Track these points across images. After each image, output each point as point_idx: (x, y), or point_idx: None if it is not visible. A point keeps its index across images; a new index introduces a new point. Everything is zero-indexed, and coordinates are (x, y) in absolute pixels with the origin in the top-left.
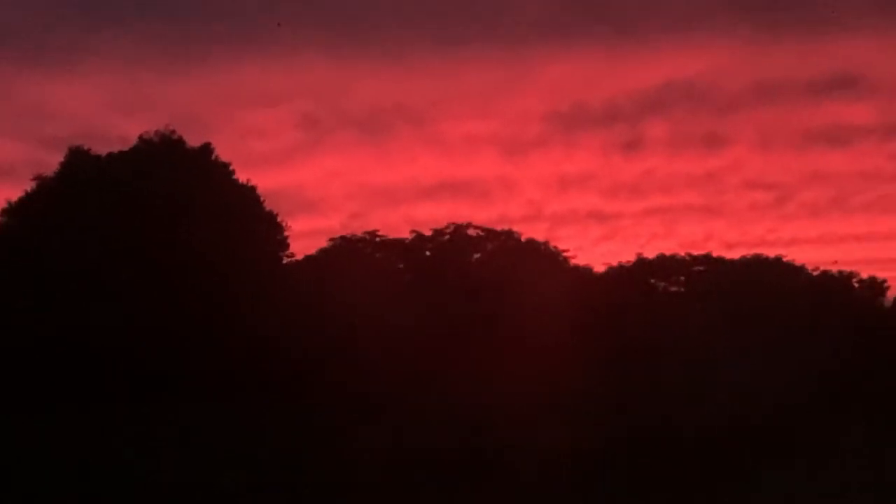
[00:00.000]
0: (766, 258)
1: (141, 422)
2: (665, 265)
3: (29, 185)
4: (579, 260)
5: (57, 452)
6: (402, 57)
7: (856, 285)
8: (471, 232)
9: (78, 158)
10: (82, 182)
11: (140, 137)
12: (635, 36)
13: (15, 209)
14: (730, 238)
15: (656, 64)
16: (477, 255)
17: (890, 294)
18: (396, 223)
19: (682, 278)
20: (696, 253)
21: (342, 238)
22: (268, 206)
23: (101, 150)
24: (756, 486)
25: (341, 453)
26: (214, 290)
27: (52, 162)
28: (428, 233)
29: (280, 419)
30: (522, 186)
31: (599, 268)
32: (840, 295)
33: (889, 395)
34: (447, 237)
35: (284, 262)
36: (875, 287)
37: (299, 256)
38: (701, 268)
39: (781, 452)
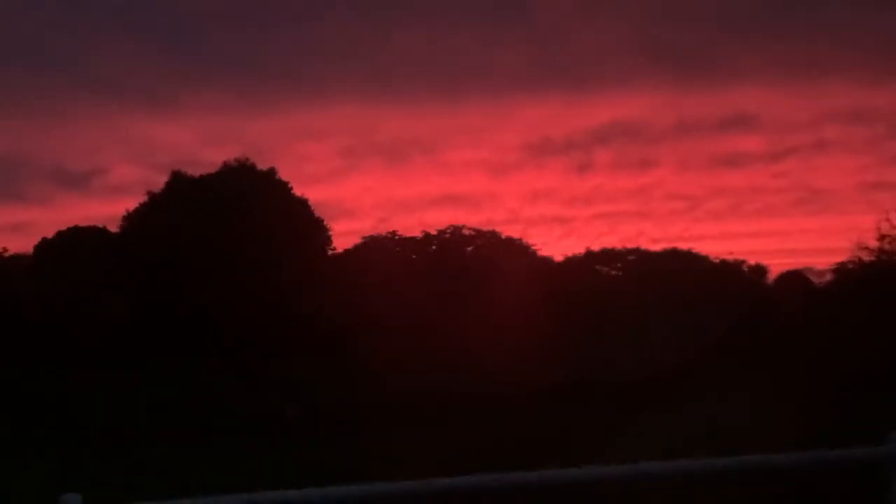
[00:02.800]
0: (681, 250)
1: (240, 369)
2: (607, 255)
3: (142, 199)
4: (544, 252)
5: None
6: (416, 103)
7: (745, 270)
8: (465, 231)
9: (178, 179)
10: (181, 197)
11: (224, 163)
12: (586, 88)
13: (132, 216)
14: (654, 235)
15: (602, 108)
16: (470, 248)
17: (770, 276)
18: (411, 225)
19: (619, 265)
20: (629, 246)
21: (371, 237)
22: (316, 213)
23: (196, 172)
24: (652, 420)
25: (377, 394)
26: (278, 275)
27: (159, 181)
28: (434, 232)
29: (325, 367)
30: (503, 198)
31: (559, 257)
32: (733, 276)
33: (768, 350)
34: (448, 235)
35: (329, 254)
36: (759, 271)
37: (339, 250)
38: (633, 257)
39: (679, 397)
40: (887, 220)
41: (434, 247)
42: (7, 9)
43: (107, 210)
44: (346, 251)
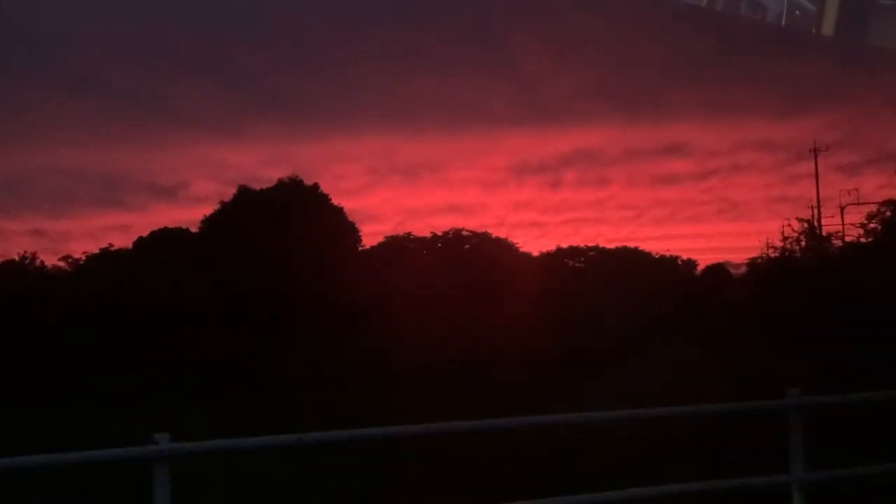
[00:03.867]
0: (629, 248)
1: (292, 338)
2: (572, 252)
3: (216, 207)
4: (524, 249)
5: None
6: (425, 134)
7: (679, 263)
8: (464, 233)
9: (243, 192)
10: (246, 206)
11: (279, 180)
12: (556, 123)
13: (208, 220)
14: (609, 236)
15: (568, 139)
16: (467, 246)
17: (698, 268)
18: (422, 228)
19: (582, 259)
20: (590, 245)
21: (391, 237)
22: (349, 218)
23: (257, 187)
24: (607, 377)
25: (396, 356)
26: (320, 265)
27: (229, 193)
28: (440, 233)
29: (357, 334)
30: (492, 207)
31: (535, 253)
32: (669, 268)
33: (696, 324)
34: (450, 236)
35: (358, 250)
36: (689, 264)
37: (367, 247)
38: (592, 253)
39: (627, 360)
40: (788, 225)
41: (439, 245)
42: (112, 62)
43: (189, 215)
44: (372, 248)
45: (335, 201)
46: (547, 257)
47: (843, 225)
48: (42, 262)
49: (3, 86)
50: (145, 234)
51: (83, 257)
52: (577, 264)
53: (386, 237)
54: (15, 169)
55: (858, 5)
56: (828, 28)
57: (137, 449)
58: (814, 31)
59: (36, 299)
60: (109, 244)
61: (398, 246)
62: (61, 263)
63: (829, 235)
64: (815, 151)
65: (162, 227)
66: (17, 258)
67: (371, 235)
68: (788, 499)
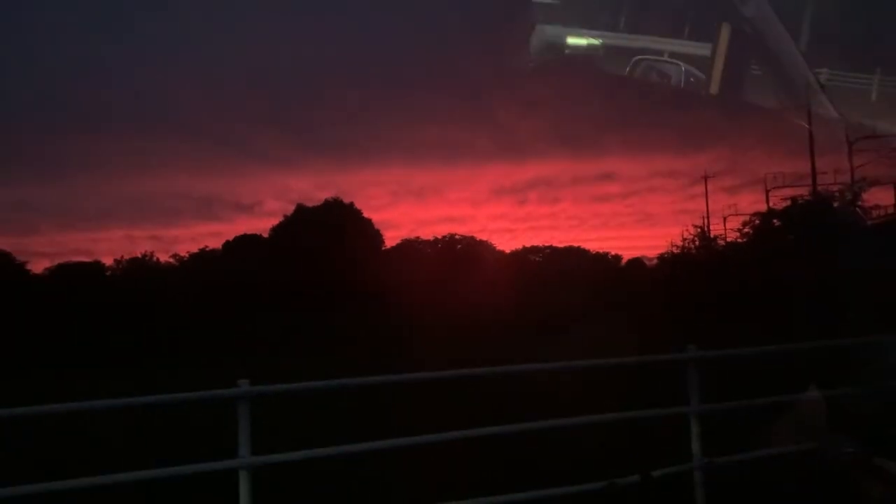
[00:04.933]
0: (574, 247)
1: (334, 315)
2: (534, 250)
3: (281, 219)
4: (500, 248)
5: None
6: (431, 166)
7: (609, 258)
8: (457, 237)
9: (301, 209)
10: (302, 219)
11: (325, 200)
12: (522, 158)
13: (276, 229)
14: (560, 239)
15: (531, 169)
16: (459, 247)
17: (623, 261)
18: (428, 234)
19: (541, 255)
20: (546, 244)
21: (405, 240)
22: (376, 227)
23: (310, 205)
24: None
25: (411, 326)
26: (354, 261)
27: (290, 209)
28: (440, 237)
29: (382, 311)
30: (478, 219)
31: (507, 251)
32: (603, 262)
33: (621, 302)
34: (447, 239)
35: (382, 249)
36: (616, 259)
37: (388, 247)
38: (548, 251)
39: (570, 328)
40: (687, 230)
41: (440, 245)
42: (209, 115)
43: (262, 225)
44: (392, 248)
45: (366, 215)
46: (515, 254)
47: (725, 230)
48: (158, 258)
49: (132, 133)
50: (231, 238)
51: (187, 256)
52: (537, 258)
53: (402, 240)
54: (141, 192)
55: (735, 73)
56: (714, 89)
57: (224, 391)
58: (703, 92)
59: (153, 285)
60: (205, 246)
61: (410, 247)
62: (171, 260)
63: (716, 237)
64: (706, 178)
65: (243, 234)
66: (140, 256)
67: (391, 239)
68: (688, 427)
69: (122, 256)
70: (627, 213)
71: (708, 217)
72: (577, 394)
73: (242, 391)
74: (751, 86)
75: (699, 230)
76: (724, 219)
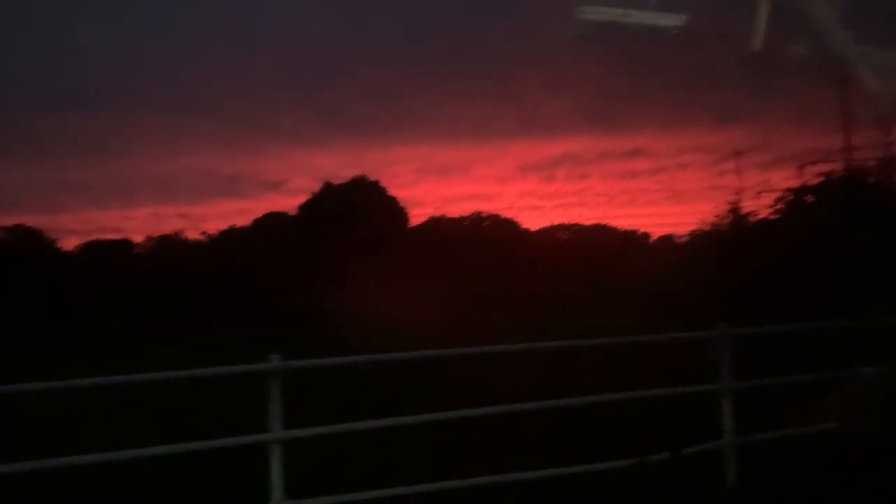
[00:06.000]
0: (601, 224)
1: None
2: (561, 228)
3: (307, 197)
4: (525, 226)
5: None
6: (457, 144)
7: (637, 235)
8: (483, 215)
9: (327, 187)
10: (329, 196)
11: (352, 178)
12: (550, 134)
13: (302, 207)
14: (588, 217)
15: (559, 146)
16: (485, 224)
17: (651, 239)
18: (454, 211)
19: (568, 233)
20: (573, 222)
21: (431, 217)
22: (401, 205)
23: (337, 182)
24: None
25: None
26: (380, 238)
27: (317, 187)
28: (466, 214)
29: (410, 279)
30: (504, 196)
31: (534, 229)
32: (631, 239)
33: (647, 277)
34: (473, 217)
35: (408, 227)
36: (644, 236)
37: (414, 225)
38: (575, 228)
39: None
40: (718, 207)
41: (466, 223)
42: (235, 93)
43: (289, 203)
44: (418, 226)
45: (391, 192)
46: (542, 232)
47: (757, 206)
48: (186, 236)
49: (161, 112)
50: (259, 216)
51: (216, 233)
52: (564, 237)
53: (428, 218)
54: (169, 170)
55: (775, 38)
56: (756, 44)
57: (256, 366)
58: (742, 51)
59: (182, 262)
60: (233, 224)
61: (436, 225)
62: (200, 237)
63: (748, 213)
64: (737, 154)
65: (270, 211)
66: (170, 233)
67: (417, 217)
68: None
69: (151, 234)
70: (656, 190)
71: (739, 194)
72: (609, 372)
73: (274, 366)
74: (789, 55)
75: (730, 206)
76: (757, 195)
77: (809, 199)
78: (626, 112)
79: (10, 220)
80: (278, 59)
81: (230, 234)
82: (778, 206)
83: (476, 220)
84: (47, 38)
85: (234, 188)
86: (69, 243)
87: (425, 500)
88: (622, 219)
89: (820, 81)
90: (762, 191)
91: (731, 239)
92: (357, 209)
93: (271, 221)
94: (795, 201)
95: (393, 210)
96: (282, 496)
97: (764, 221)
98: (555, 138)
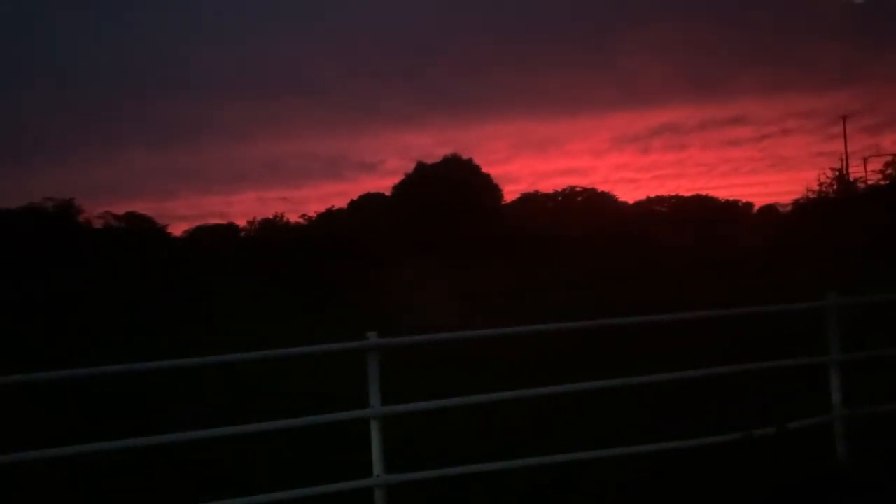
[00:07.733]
0: (701, 195)
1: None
2: (658, 200)
3: (402, 177)
4: (622, 199)
5: None
6: (551, 119)
7: (739, 205)
8: (577, 189)
9: (421, 165)
10: (423, 175)
11: (445, 156)
12: (647, 104)
13: (398, 186)
14: (687, 187)
15: (656, 115)
16: (580, 199)
17: (754, 208)
18: (548, 187)
19: (666, 205)
20: (671, 194)
21: (525, 194)
22: (495, 181)
23: (430, 161)
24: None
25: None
26: (476, 213)
27: (411, 167)
28: (560, 189)
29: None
30: (599, 169)
31: (630, 201)
32: (732, 210)
33: (755, 246)
34: (567, 192)
35: (502, 203)
36: (747, 206)
37: (508, 201)
38: (674, 200)
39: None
40: (823, 174)
41: (559, 198)
42: (334, 78)
43: (385, 183)
44: (512, 202)
45: (484, 170)
46: (639, 205)
47: (865, 172)
48: (288, 218)
49: (262, 98)
50: (356, 197)
51: (315, 215)
52: (663, 209)
53: (521, 194)
54: (271, 154)
55: None
56: None
57: (354, 343)
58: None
59: (283, 242)
60: (332, 205)
61: (530, 200)
62: (300, 219)
63: (856, 180)
64: (844, 118)
65: (367, 192)
66: (272, 216)
67: (511, 193)
68: (827, 377)
69: (254, 217)
70: (760, 158)
71: (847, 159)
72: (714, 344)
73: (372, 343)
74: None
75: (837, 173)
76: (865, 160)
77: None
78: (726, 78)
79: (123, 208)
80: (375, 39)
81: (329, 216)
82: (888, 171)
83: (570, 195)
84: (155, 28)
85: (333, 170)
86: (178, 228)
87: (527, 473)
88: (723, 189)
89: None
90: (871, 155)
91: (837, 207)
92: (451, 187)
93: (368, 202)
94: None
95: (487, 187)
96: (382, 470)
97: (873, 187)
98: (652, 109)
